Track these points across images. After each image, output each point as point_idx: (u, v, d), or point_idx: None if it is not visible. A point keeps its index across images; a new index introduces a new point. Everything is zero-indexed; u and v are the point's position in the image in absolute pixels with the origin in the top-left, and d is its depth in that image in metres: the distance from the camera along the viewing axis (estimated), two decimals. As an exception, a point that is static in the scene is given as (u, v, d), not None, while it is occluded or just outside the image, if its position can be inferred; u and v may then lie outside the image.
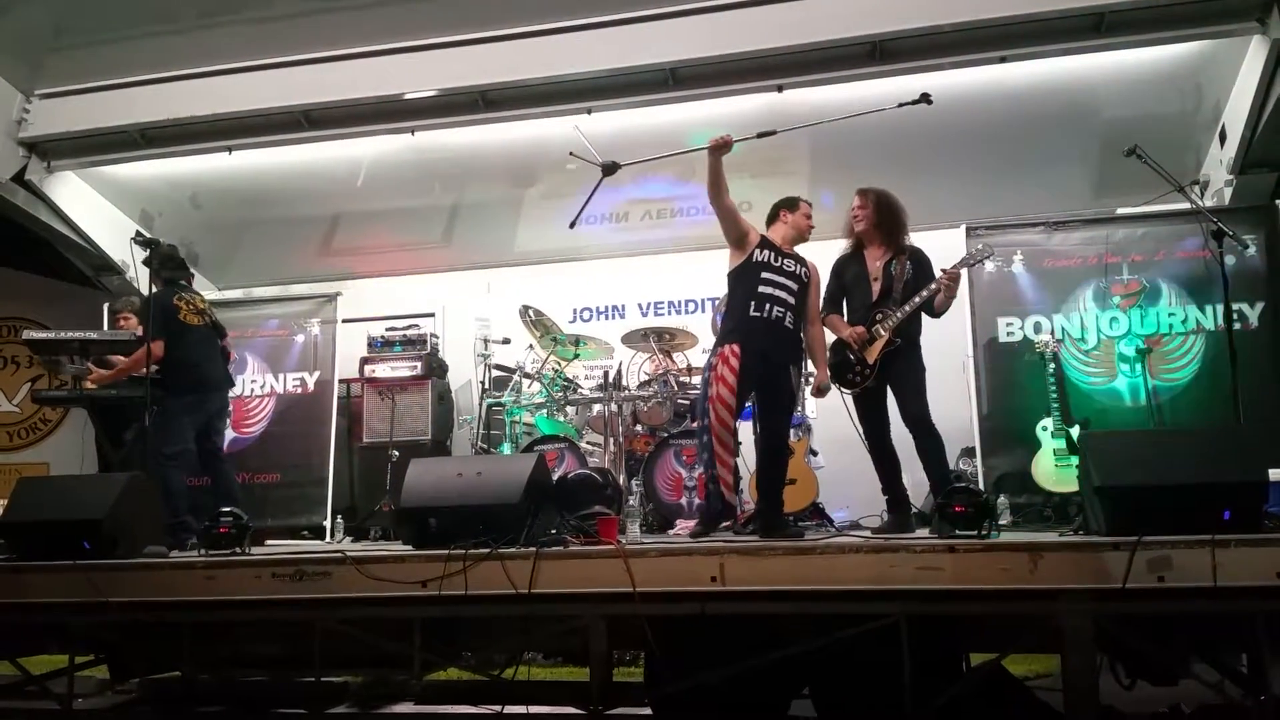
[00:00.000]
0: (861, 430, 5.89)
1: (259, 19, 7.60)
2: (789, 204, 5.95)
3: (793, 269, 5.75)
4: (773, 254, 5.74)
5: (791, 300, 5.68)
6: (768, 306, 5.62)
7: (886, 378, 5.77)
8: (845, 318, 6.00)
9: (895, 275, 5.82)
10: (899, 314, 5.73)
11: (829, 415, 7.22)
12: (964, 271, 6.09)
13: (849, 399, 5.94)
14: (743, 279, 5.73)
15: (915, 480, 5.97)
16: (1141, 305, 7.42)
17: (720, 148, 5.49)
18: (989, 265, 7.49)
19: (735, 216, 5.76)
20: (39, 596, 5.19)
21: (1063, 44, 6.93)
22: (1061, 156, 8.15)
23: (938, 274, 5.85)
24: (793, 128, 6.10)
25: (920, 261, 5.91)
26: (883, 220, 5.92)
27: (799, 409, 7.20)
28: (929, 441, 5.67)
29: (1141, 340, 7.32)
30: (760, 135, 5.72)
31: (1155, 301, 7.41)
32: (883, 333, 5.73)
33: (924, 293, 5.76)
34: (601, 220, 9.10)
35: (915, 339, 5.85)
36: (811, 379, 6.65)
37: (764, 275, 5.68)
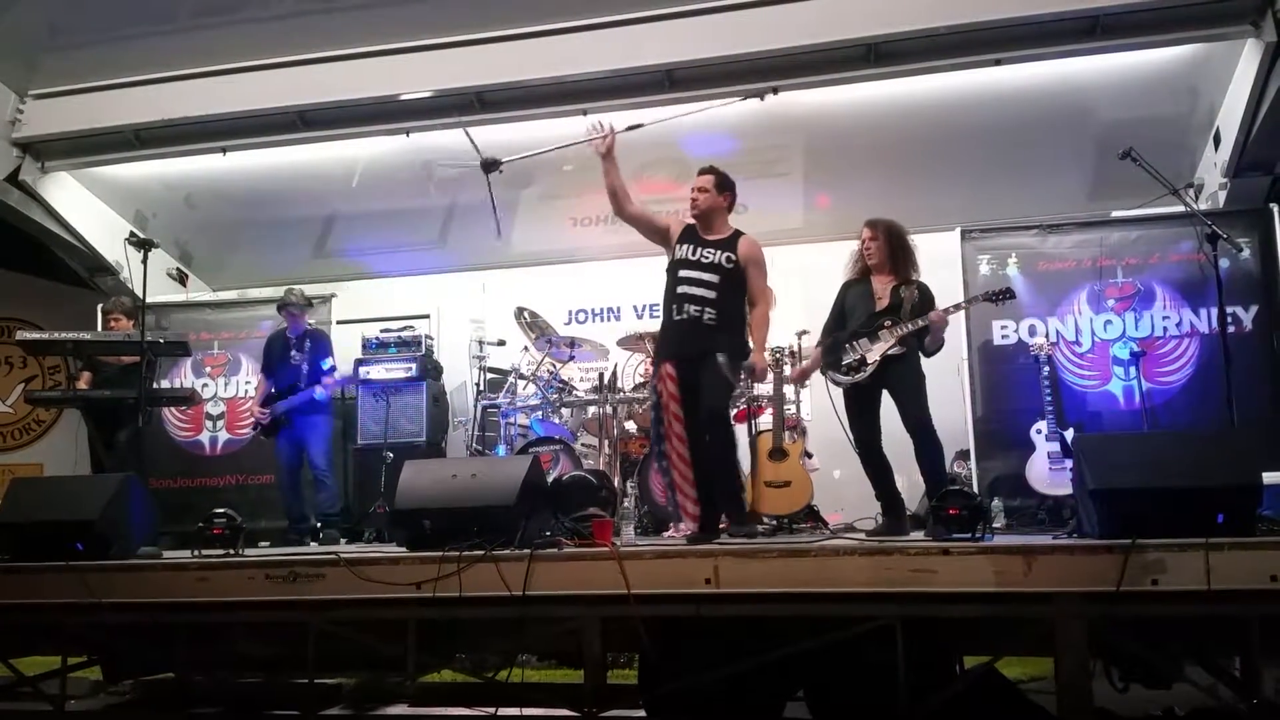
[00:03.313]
0: (851, 435, 5.85)
1: (254, 19, 7.58)
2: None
3: (712, 259, 5.61)
4: (692, 247, 5.66)
5: (712, 295, 5.55)
6: (687, 307, 5.57)
7: (884, 381, 5.75)
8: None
9: (905, 298, 5.76)
10: (908, 325, 5.66)
11: (824, 418, 7.22)
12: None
13: (840, 402, 5.92)
14: (667, 278, 5.73)
15: (910, 483, 5.98)
16: (1136, 308, 7.43)
17: (605, 153, 5.58)
18: (983, 269, 7.51)
19: (646, 220, 5.76)
20: (32, 597, 5.18)
21: (1058, 47, 6.94)
22: (1056, 159, 8.15)
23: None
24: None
25: (925, 296, 5.83)
26: (893, 251, 5.87)
27: (794, 409, 7.21)
28: (929, 446, 5.64)
29: (1135, 343, 7.33)
30: (630, 128, 5.76)
31: (1149, 305, 7.42)
32: (890, 336, 5.66)
33: (933, 314, 5.70)
34: (597, 222, 9.09)
35: (915, 347, 5.83)
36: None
37: (680, 274, 5.64)
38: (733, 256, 5.62)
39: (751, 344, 5.79)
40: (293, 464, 7.91)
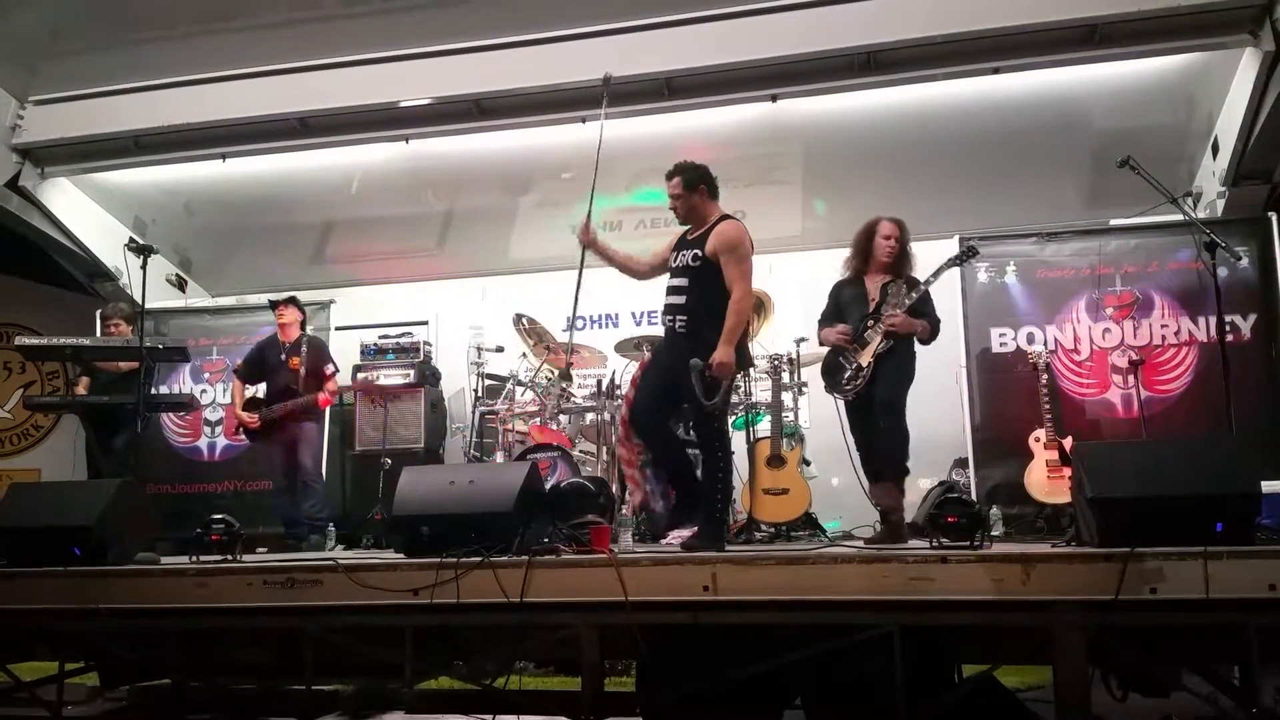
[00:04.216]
0: (853, 439, 5.86)
1: (254, 26, 7.61)
2: None
3: (683, 261, 5.44)
4: (675, 254, 5.55)
5: (682, 300, 5.40)
6: (666, 318, 5.51)
7: (877, 378, 5.77)
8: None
9: (891, 294, 5.83)
10: (889, 318, 5.72)
11: (822, 426, 7.23)
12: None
13: (841, 406, 5.93)
14: None
15: (910, 490, 5.96)
16: (1134, 316, 7.43)
17: (589, 243, 5.76)
18: (981, 276, 7.52)
19: (661, 261, 5.71)
20: (29, 602, 5.16)
21: (1056, 55, 6.96)
22: (1054, 167, 8.17)
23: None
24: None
25: (916, 288, 5.88)
26: (903, 253, 5.95)
27: (793, 418, 7.21)
28: (892, 430, 5.64)
29: (1134, 351, 7.33)
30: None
31: (1148, 313, 7.42)
32: (875, 335, 5.72)
33: (917, 288, 5.78)
34: (597, 229, 9.08)
35: (908, 340, 5.85)
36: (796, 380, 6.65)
37: (666, 286, 5.57)
38: (699, 253, 5.36)
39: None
40: (287, 468, 7.89)
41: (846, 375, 5.82)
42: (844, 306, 6.03)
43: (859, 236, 6.09)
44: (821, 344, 6.12)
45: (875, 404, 5.70)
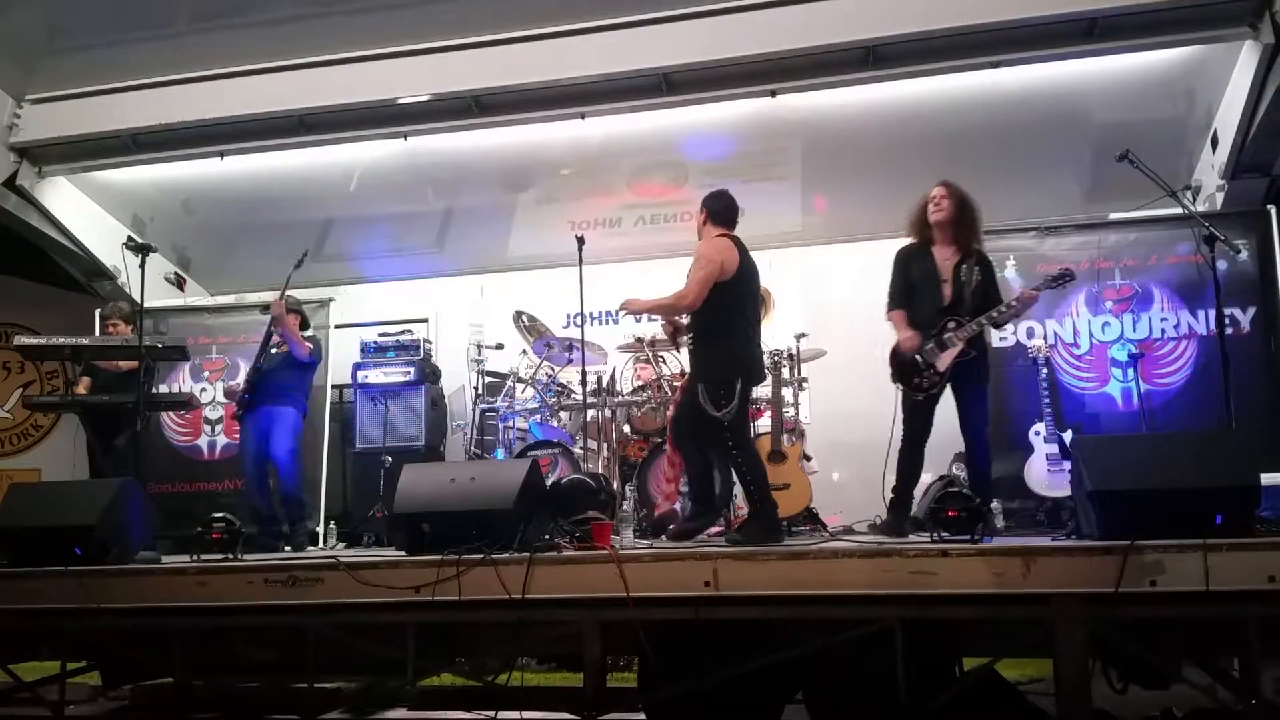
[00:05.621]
0: (904, 429, 5.76)
1: (251, 24, 7.58)
2: None
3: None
4: None
5: (685, 318, 5.66)
6: (684, 339, 5.79)
7: (952, 384, 5.70)
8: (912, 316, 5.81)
9: (965, 281, 5.71)
10: (974, 325, 5.61)
11: (823, 420, 7.24)
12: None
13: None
14: None
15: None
16: (1134, 310, 7.42)
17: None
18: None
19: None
20: (31, 602, 5.17)
21: (1055, 49, 6.94)
22: (1054, 161, 8.16)
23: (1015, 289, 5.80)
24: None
25: (987, 267, 5.82)
26: (962, 216, 5.78)
27: (793, 412, 7.21)
28: (983, 450, 5.69)
29: (1134, 345, 7.33)
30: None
31: (1147, 306, 7.41)
32: (957, 341, 5.61)
33: (1002, 308, 5.68)
34: (596, 226, 9.08)
35: (984, 348, 5.80)
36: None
37: None
38: (690, 271, 5.61)
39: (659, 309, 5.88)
40: (259, 457, 7.42)
41: (919, 378, 5.68)
42: (915, 282, 5.83)
43: (915, 208, 5.93)
44: (890, 320, 5.89)
45: (967, 427, 5.69)
